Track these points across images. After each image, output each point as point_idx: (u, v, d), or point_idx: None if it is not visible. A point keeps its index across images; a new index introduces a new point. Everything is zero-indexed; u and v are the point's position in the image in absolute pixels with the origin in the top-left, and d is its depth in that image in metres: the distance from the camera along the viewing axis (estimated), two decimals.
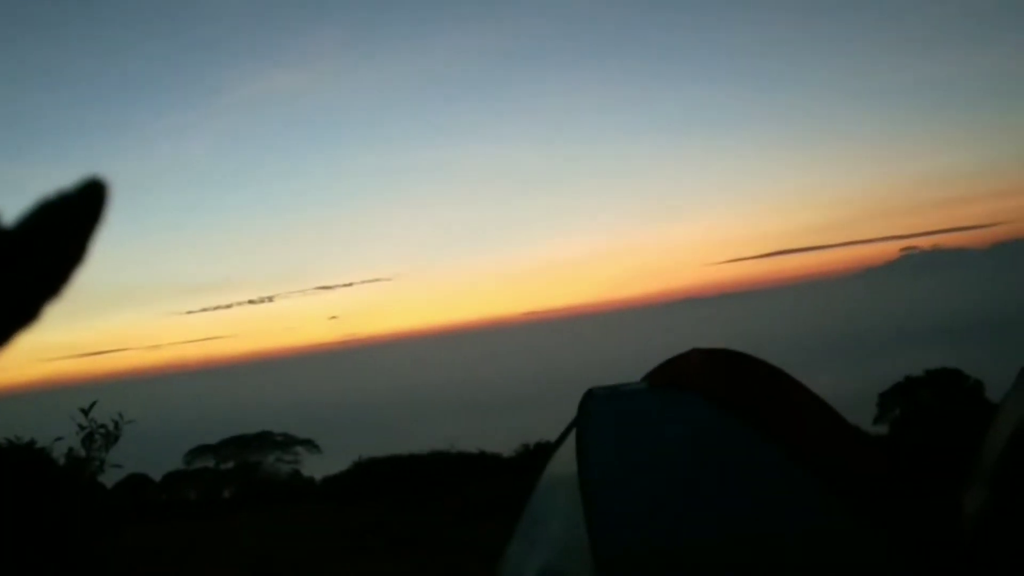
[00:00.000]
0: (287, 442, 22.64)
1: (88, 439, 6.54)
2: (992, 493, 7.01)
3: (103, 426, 6.60)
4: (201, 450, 22.49)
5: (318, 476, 21.11)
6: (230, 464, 22.14)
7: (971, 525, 7.27)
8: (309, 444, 22.79)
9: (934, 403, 18.99)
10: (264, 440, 22.56)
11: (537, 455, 15.04)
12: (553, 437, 8.90)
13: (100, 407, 6.66)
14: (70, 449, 6.55)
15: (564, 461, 7.24)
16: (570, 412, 7.48)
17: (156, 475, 22.05)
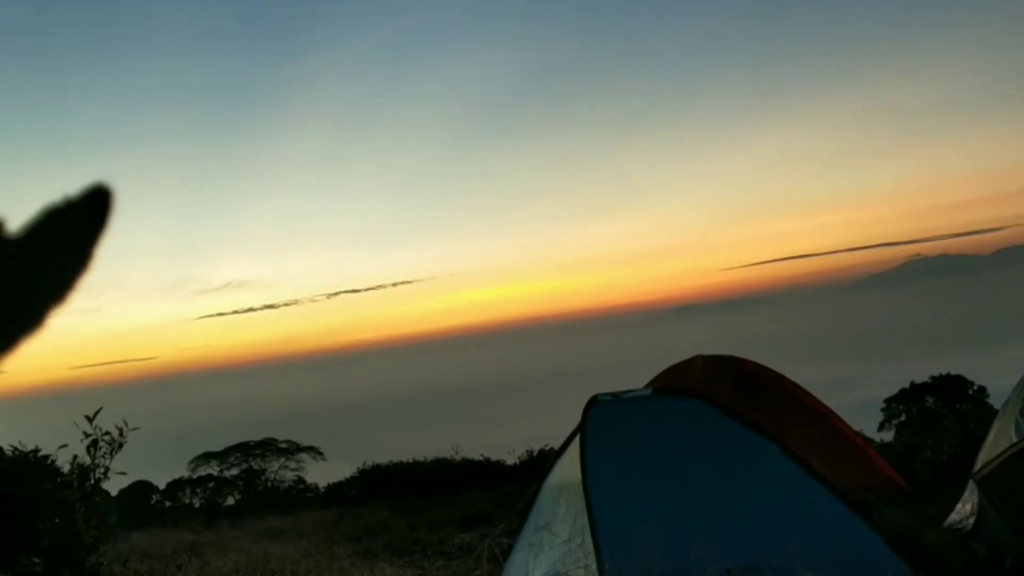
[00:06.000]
0: (291, 449, 22.61)
1: (93, 446, 6.54)
2: (987, 498, 7.00)
3: (108, 433, 6.60)
4: (205, 457, 22.47)
5: (322, 483, 21.07)
6: (234, 471, 22.13)
7: (966, 529, 7.26)
8: (313, 451, 22.76)
9: (939, 409, 18.95)
10: (268, 447, 22.53)
11: (541, 461, 15.02)
12: (557, 443, 8.91)
13: (104, 414, 6.67)
14: (75, 456, 6.56)
15: (568, 467, 7.24)
16: (574, 418, 7.49)
17: (160, 482, 22.06)
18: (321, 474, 21.87)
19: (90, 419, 6.54)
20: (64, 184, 0.75)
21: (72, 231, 0.76)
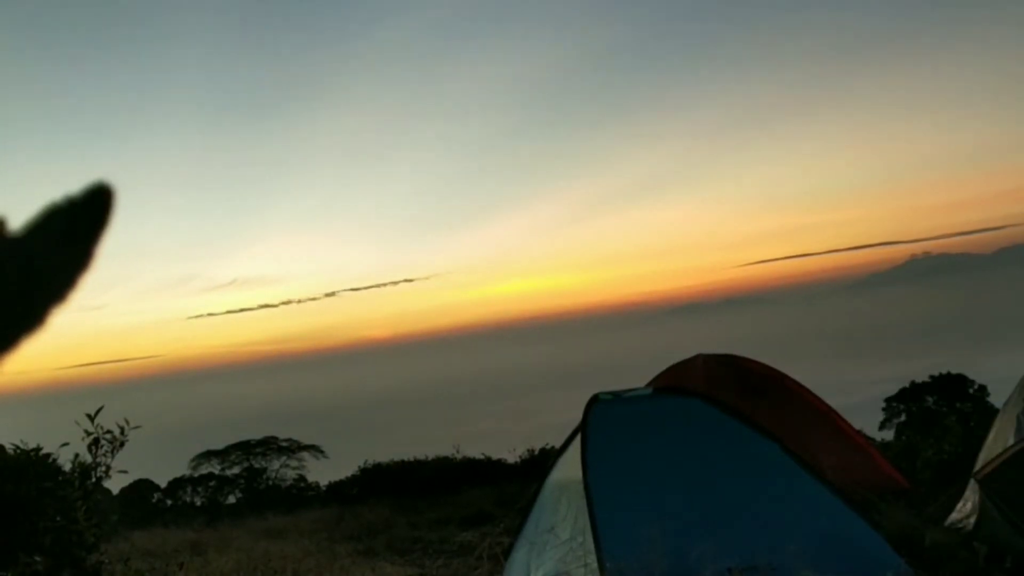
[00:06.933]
0: (292, 447, 22.61)
1: (94, 444, 6.54)
2: (988, 497, 7.00)
3: (109, 431, 6.60)
4: (206, 455, 22.48)
5: (323, 481, 21.08)
6: (235, 469, 22.13)
7: (967, 528, 7.25)
8: (314, 449, 22.76)
9: (939, 408, 18.94)
10: (269, 446, 22.53)
11: (542, 460, 15.02)
12: (558, 442, 8.90)
13: (106, 412, 6.67)
14: (76, 455, 6.55)
15: (569, 466, 7.24)
16: (575, 417, 7.48)
17: (161, 480, 22.06)
18: (322, 472, 21.87)
19: (91, 417, 6.54)
20: (66, 182, 0.75)
21: (74, 229, 0.76)
